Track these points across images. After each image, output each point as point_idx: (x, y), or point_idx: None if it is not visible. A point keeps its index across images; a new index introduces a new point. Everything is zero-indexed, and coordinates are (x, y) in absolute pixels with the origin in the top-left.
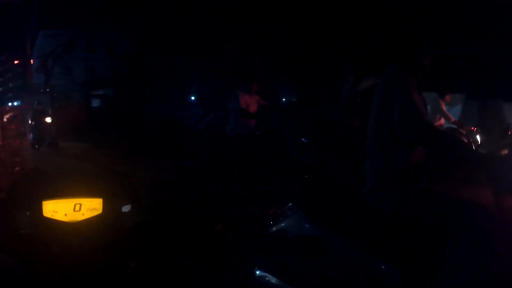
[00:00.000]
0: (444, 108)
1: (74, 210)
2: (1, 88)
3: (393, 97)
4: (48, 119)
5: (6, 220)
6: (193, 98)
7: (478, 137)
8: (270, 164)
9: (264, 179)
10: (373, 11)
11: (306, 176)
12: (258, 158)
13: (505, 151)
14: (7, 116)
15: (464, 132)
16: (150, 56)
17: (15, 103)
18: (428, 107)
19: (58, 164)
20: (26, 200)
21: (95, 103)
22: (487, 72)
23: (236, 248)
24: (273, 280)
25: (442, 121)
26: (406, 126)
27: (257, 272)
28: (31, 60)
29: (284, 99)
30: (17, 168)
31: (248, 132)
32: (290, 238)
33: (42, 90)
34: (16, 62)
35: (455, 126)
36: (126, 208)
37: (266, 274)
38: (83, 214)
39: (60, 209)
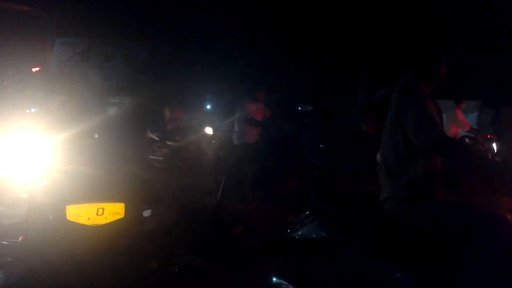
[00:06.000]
0: (461, 116)
1: (97, 214)
2: (20, 95)
3: (406, 108)
4: None
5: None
6: (208, 106)
7: (494, 145)
8: (284, 170)
9: (275, 185)
10: (389, 19)
11: (323, 185)
12: (266, 165)
13: None
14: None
15: (480, 140)
16: (166, 64)
17: (33, 110)
18: (444, 115)
19: (79, 168)
20: (49, 204)
21: (112, 111)
22: (502, 78)
23: (254, 251)
24: (290, 287)
25: (458, 129)
26: (420, 138)
27: (274, 279)
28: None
29: (300, 108)
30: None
31: (254, 141)
32: (306, 240)
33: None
34: (35, 69)
35: (471, 135)
36: (147, 213)
37: (282, 281)
38: (105, 218)
39: (83, 213)
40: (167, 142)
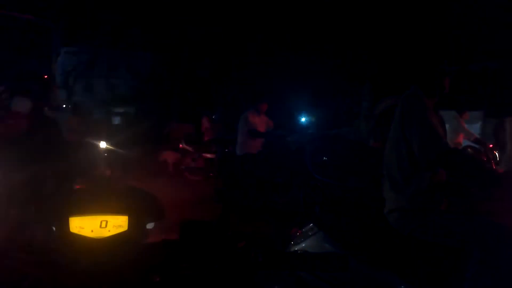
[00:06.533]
0: (465, 125)
1: (100, 226)
2: None
3: (411, 121)
4: None
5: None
6: (213, 117)
7: (497, 154)
8: (287, 182)
9: (277, 197)
10: (393, 31)
11: (327, 197)
12: (268, 176)
13: None
14: None
15: (484, 150)
16: (171, 74)
17: None
18: (447, 125)
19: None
20: (53, 216)
21: (116, 120)
22: (505, 88)
23: (258, 265)
24: None
25: (461, 139)
26: (424, 150)
27: None
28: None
29: (303, 119)
30: None
31: (256, 152)
32: (310, 254)
33: (64, 106)
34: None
35: (474, 145)
36: (150, 225)
37: None
38: (109, 231)
39: (87, 225)
40: (204, 154)
